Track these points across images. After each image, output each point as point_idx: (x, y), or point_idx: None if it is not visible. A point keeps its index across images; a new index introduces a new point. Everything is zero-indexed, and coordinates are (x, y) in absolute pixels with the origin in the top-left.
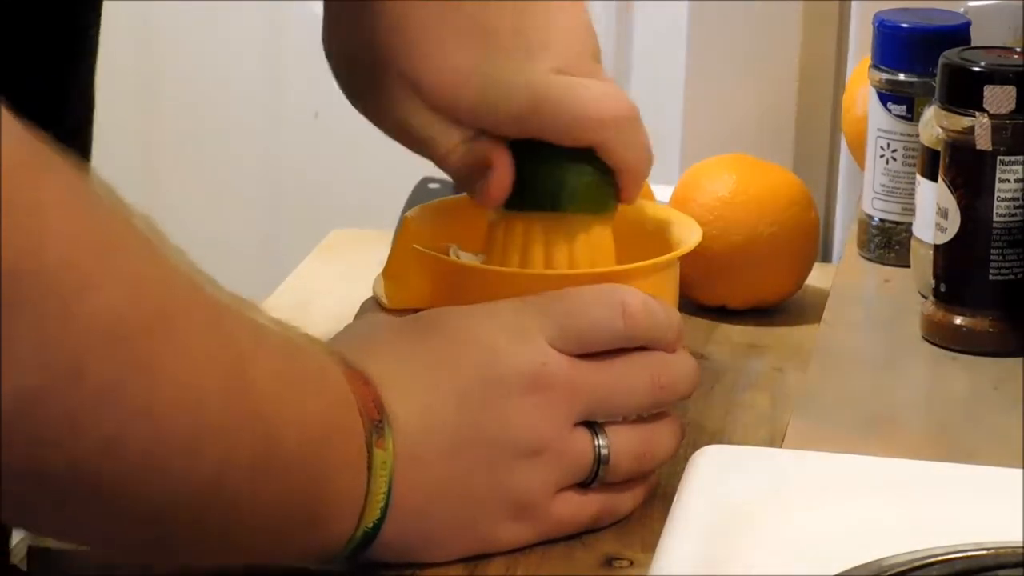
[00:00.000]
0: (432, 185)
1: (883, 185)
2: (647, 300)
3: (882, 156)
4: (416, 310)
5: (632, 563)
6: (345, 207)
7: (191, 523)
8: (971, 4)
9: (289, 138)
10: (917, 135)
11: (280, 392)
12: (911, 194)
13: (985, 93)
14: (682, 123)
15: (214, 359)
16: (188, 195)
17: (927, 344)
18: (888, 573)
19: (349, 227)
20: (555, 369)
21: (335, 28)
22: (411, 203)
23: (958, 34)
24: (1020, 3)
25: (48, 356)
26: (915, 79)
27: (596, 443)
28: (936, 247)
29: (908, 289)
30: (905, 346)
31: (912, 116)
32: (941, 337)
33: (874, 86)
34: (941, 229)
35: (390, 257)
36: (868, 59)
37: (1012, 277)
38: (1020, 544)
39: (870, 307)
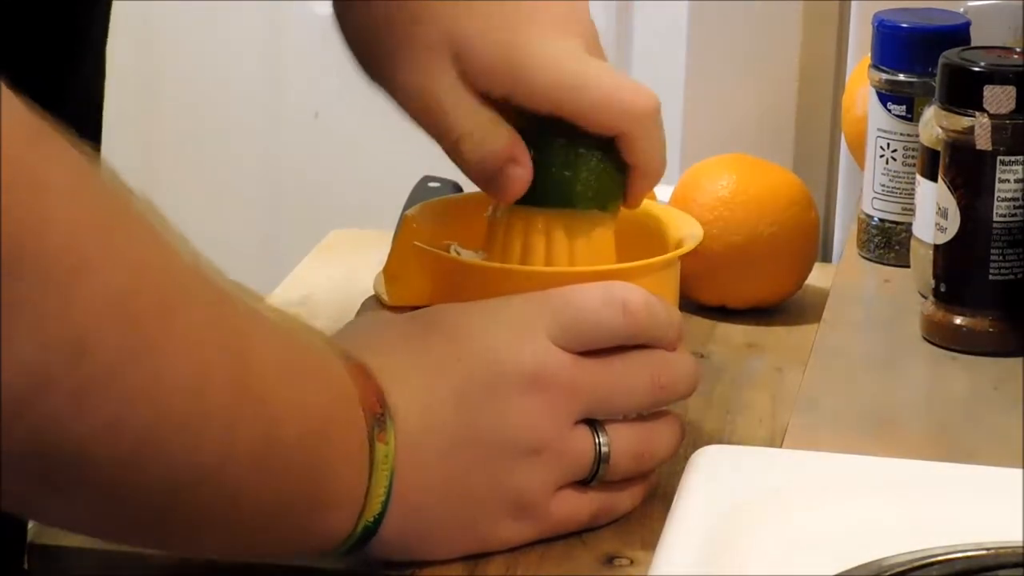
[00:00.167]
0: (432, 184)
1: (883, 185)
2: (648, 298)
3: (882, 156)
4: (417, 307)
5: (632, 562)
6: (345, 207)
7: (192, 510)
8: (971, 4)
9: (289, 138)
10: (917, 135)
11: (281, 381)
12: (911, 194)
13: (985, 93)
14: (682, 123)
15: (216, 343)
16: (188, 195)
17: (927, 344)
18: (888, 573)
19: (349, 227)
20: (556, 367)
21: None
22: (411, 202)
23: (958, 34)
24: (1020, 3)
25: (50, 335)
26: (915, 79)
27: (596, 441)
28: (936, 247)
29: (908, 289)
30: (905, 346)
31: (912, 116)
32: (941, 337)
33: (874, 86)
34: (941, 229)
35: (390, 255)
36: (868, 59)
37: (1012, 277)
38: (1020, 544)
39: (870, 307)
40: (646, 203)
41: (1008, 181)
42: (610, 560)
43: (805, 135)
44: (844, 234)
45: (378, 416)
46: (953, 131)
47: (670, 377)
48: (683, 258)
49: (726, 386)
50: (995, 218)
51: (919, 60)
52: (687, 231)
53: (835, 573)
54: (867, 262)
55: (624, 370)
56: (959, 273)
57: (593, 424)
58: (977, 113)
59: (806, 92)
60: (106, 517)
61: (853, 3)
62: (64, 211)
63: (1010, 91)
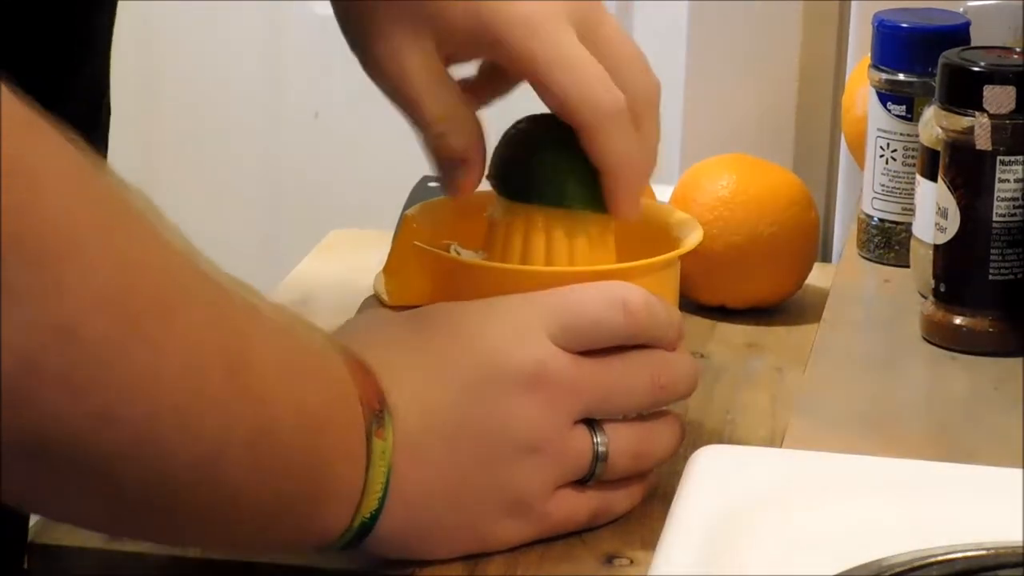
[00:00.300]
0: (432, 184)
1: (883, 185)
2: (649, 298)
3: (882, 156)
4: (417, 307)
5: (632, 562)
6: (345, 207)
7: (188, 502)
8: (971, 4)
9: (289, 138)
10: (917, 135)
11: (279, 373)
12: (911, 194)
13: (985, 93)
14: (682, 123)
15: (213, 337)
16: (188, 195)
17: (927, 344)
18: (888, 573)
19: (349, 227)
20: (556, 367)
21: None
22: (411, 202)
23: (958, 34)
24: (1020, 3)
25: (39, 320)
26: (915, 79)
27: (595, 441)
28: (936, 247)
29: (908, 289)
30: (905, 346)
31: (912, 116)
32: (941, 337)
33: (874, 86)
34: (941, 229)
35: (390, 255)
36: (868, 59)
37: (1012, 277)
38: (1020, 544)
39: (870, 307)
40: (646, 203)
41: (1008, 181)
42: (610, 560)
43: (805, 135)
44: (844, 234)
45: (377, 413)
46: (953, 131)
47: (670, 377)
48: (683, 258)
49: (726, 386)
50: (995, 218)
51: (919, 60)
52: (687, 231)
53: (835, 573)
54: (867, 262)
55: (624, 370)
56: (959, 273)
57: (591, 424)
58: (977, 113)
59: (806, 92)
60: (102, 509)
61: (853, 3)
62: (57, 200)
63: (1010, 91)
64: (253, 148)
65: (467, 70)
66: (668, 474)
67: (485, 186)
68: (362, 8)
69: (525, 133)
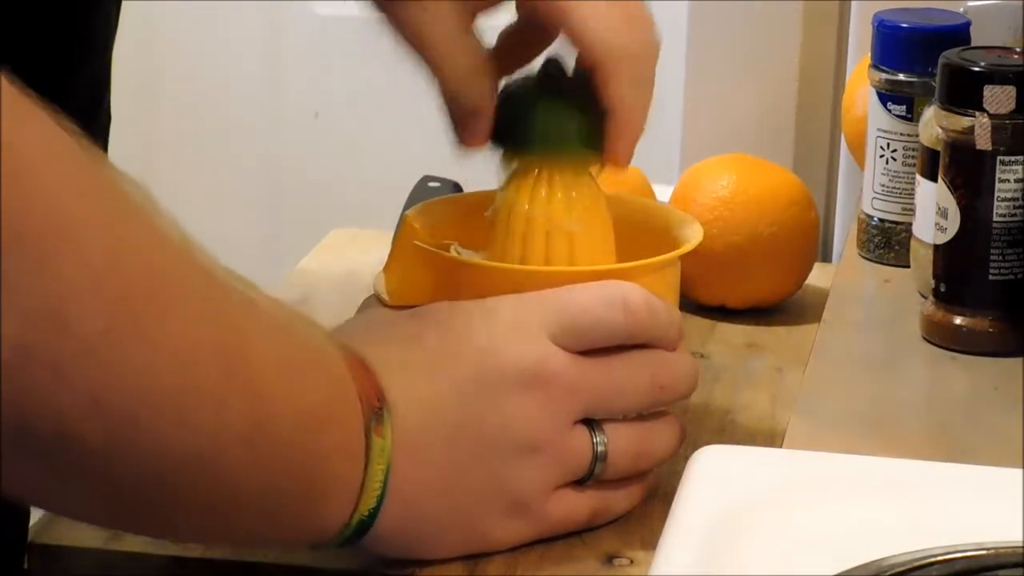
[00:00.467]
0: (432, 184)
1: (883, 185)
2: (649, 297)
3: (882, 156)
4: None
5: (632, 561)
6: (345, 207)
7: (183, 495)
8: (971, 4)
9: (289, 138)
10: (917, 135)
11: (276, 368)
12: (911, 194)
13: (985, 93)
14: (682, 123)
15: (206, 322)
16: (188, 195)
17: (927, 344)
18: (888, 573)
19: (349, 227)
20: (555, 366)
21: None
22: (411, 202)
23: (958, 34)
24: (1020, 3)
25: (30, 306)
26: (915, 79)
27: (594, 441)
28: (936, 247)
29: (908, 289)
30: (905, 346)
31: (912, 116)
32: (941, 337)
33: (874, 86)
34: (941, 229)
35: (390, 255)
36: (868, 59)
37: (1012, 277)
38: (1020, 544)
39: (870, 307)
40: (646, 203)
41: (1008, 181)
42: (610, 560)
43: (805, 135)
44: (844, 234)
45: (376, 410)
46: (953, 131)
47: (670, 377)
48: (683, 258)
49: (726, 386)
50: (995, 218)
51: (919, 60)
52: (687, 231)
53: (835, 573)
54: (867, 262)
55: (624, 370)
56: (959, 273)
57: (591, 423)
58: (977, 113)
59: (806, 92)
60: (97, 501)
61: (853, 3)
62: (51, 189)
63: (1010, 91)
64: (253, 148)
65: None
66: (668, 474)
67: (485, 186)
68: None
69: (521, 87)
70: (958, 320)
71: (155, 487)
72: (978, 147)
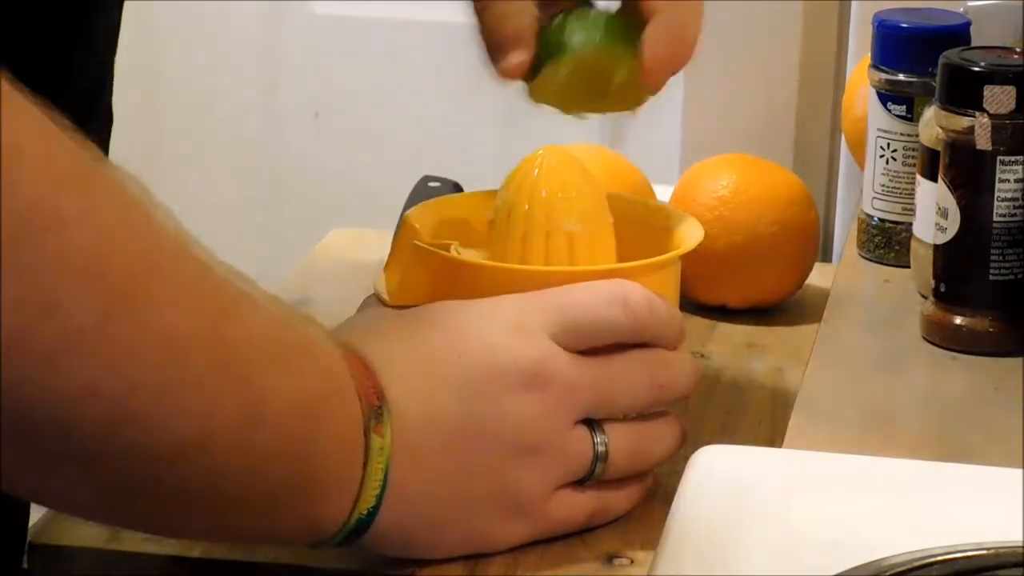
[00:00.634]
0: (432, 184)
1: (883, 185)
2: (650, 296)
3: (882, 156)
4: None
5: (632, 562)
6: (345, 207)
7: (175, 487)
8: (971, 4)
9: (289, 138)
10: (917, 135)
11: (268, 360)
12: (911, 194)
13: (985, 93)
14: (682, 123)
15: (199, 314)
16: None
17: (927, 344)
18: (888, 573)
19: (349, 227)
20: (556, 366)
21: None
22: (411, 202)
23: (958, 34)
24: (1020, 3)
25: (20, 294)
26: (915, 79)
27: (595, 441)
28: (936, 247)
29: (908, 289)
30: (905, 346)
31: (912, 116)
32: (941, 337)
33: (874, 86)
34: (941, 229)
35: (391, 255)
36: (868, 59)
37: (1012, 277)
38: (1020, 544)
39: (870, 307)
40: (647, 202)
41: (1008, 181)
42: (610, 560)
43: (805, 135)
44: (844, 234)
45: (375, 409)
46: (953, 131)
47: (670, 376)
48: (683, 258)
49: (726, 386)
50: (995, 218)
51: (919, 60)
52: (687, 231)
53: (835, 573)
54: (867, 262)
55: (624, 369)
56: (959, 273)
57: (591, 423)
58: (977, 113)
59: (806, 92)
60: (90, 491)
61: (853, 3)
62: (39, 177)
63: (1010, 91)
64: (253, 148)
65: None
66: (668, 474)
67: (485, 186)
68: None
69: (560, 18)
70: (958, 320)
71: (149, 479)
72: (978, 147)
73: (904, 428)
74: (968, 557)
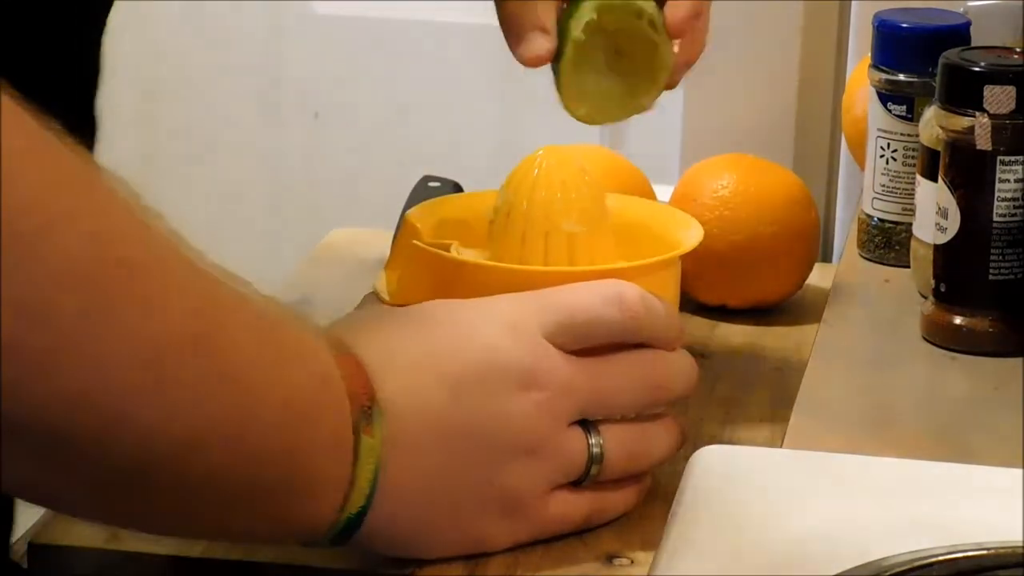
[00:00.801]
0: (432, 184)
1: (883, 185)
2: (646, 296)
3: (882, 156)
4: None
5: (632, 562)
6: (345, 207)
7: (168, 486)
8: (971, 4)
9: (289, 138)
10: (917, 135)
11: (259, 360)
12: (911, 194)
13: (985, 93)
14: (682, 123)
15: (188, 316)
16: (188, 195)
17: (927, 344)
18: (888, 573)
19: (349, 227)
20: (551, 367)
21: None
22: (411, 202)
23: (958, 34)
24: (1020, 3)
25: (12, 298)
26: (915, 79)
27: (590, 442)
28: (936, 247)
29: (908, 289)
30: (905, 346)
31: (912, 116)
32: (941, 337)
33: (874, 86)
34: (941, 229)
35: (391, 254)
36: (868, 59)
37: (1012, 277)
38: (1020, 544)
39: (870, 307)
40: (648, 204)
41: (1008, 181)
42: (610, 560)
43: (805, 135)
44: (844, 234)
45: (365, 408)
46: (953, 131)
47: (667, 376)
48: (683, 258)
49: (726, 386)
50: (995, 218)
51: (919, 60)
52: (687, 232)
53: (835, 573)
54: (867, 262)
55: (620, 369)
56: (959, 273)
57: (587, 424)
58: (977, 113)
59: (806, 92)
60: (82, 490)
61: (853, 3)
62: (28, 174)
63: (1010, 91)
64: (253, 148)
65: None
66: (668, 474)
67: (485, 186)
68: None
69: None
70: (958, 320)
71: (140, 478)
72: (978, 147)
73: (904, 428)
74: (968, 557)
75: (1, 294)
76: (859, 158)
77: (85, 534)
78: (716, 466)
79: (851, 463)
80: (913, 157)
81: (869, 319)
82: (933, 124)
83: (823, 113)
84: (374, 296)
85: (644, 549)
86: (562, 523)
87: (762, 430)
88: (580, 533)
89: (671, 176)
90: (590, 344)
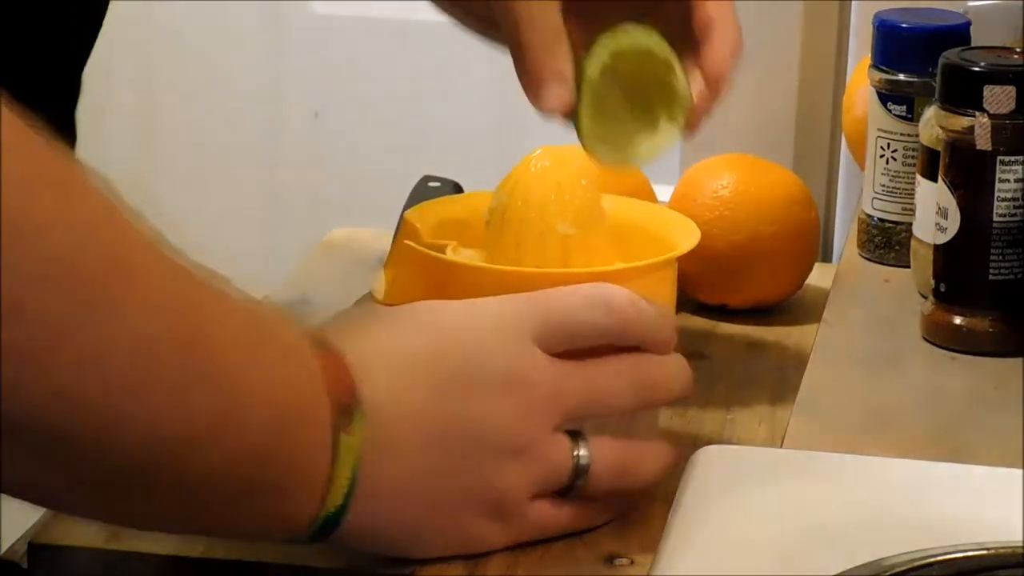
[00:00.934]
0: (432, 184)
1: (883, 185)
2: (635, 299)
3: (882, 156)
4: None
5: (632, 562)
6: (345, 207)
7: (149, 483)
8: (971, 4)
9: (289, 138)
10: (917, 135)
11: (242, 358)
12: (911, 194)
13: (985, 93)
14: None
15: (169, 314)
16: (188, 195)
17: (927, 344)
18: (888, 573)
19: (349, 227)
20: (536, 370)
21: None
22: (411, 202)
23: (958, 34)
24: (1020, 3)
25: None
26: (915, 79)
27: (576, 452)
28: (936, 247)
29: (908, 289)
30: (905, 346)
31: (912, 116)
32: (941, 337)
33: (874, 86)
34: (941, 229)
35: (389, 254)
36: (868, 59)
37: (1012, 277)
38: (1020, 544)
39: (870, 307)
40: (648, 206)
41: (1008, 181)
42: (610, 560)
43: (805, 135)
44: (844, 234)
45: (345, 407)
46: (953, 131)
47: (657, 380)
48: (684, 258)
49: (726, 386)
50: (995, 218)
51: (919, 60)
52: (684, 233)
53: (835, 573)
54: (867, 262)
55: (607, 372)
56: (959, 273)
57: (576, 435)
58: (977, 113)
59: (806, 92)
60: (64, 485)
61: (853, 3)
62: (13, 171)
63: (1010, 91)
64: (253, 148)
65: None
66: (668, 474)
67: (485, 186)
68: None
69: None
70: (958, 320)
71: (121, 475)
72: (978, 147)
73: (904, 428)
74: (968, 557)
75: None
76: (859, 158)
77: (85, 534)
78: (716, 466)
79: (851, 463)
80: (913, 157)
81: (869, 319)
82: (933, 124)
83: (823, 113)
84: (369, 296)
85: (644, 550)
86: (542, 531)
87: (762, 430)
88: (580, 533)
89: (671, 176)
90: (575, 347)
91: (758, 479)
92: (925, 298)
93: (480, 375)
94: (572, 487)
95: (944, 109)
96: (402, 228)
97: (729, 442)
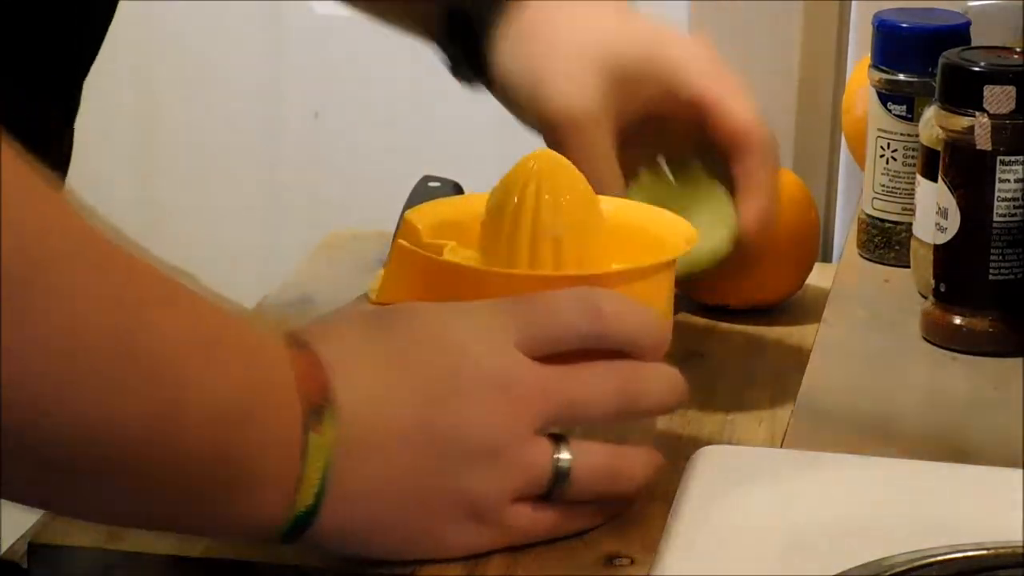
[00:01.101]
0: (432, 184)
1: (883, 185)
2: (623, 303)
3: (882, 156)
4: None
5: (632, 562)
6: (345, 207)
7: (94, 476)
8: (971, 4)
9: (289, 138)
10: (917, 135)
11: (190, 355)
12: (911, 194)
13: (985, 93)
14: None
15: (108, 302)
16: (188, 195)
17: (927, 344)
18: (888, 573)
19: (349, 227)
20: (518, 373)
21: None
22: (411, 202)
23: (958, 34)
24: (1020, 3)
25: None
26: (915, 79)
27: (556, 456)
28: (936, 247)
29: (908, 289)
30: (905, 346)
31: (912, 116)
32: (941, 337)
33: (874, 86)
34: (941, 229)
35: (389, 254)
36: (868, 59)
37: (1012, 277)
38: (1020, 544)
39: (870, 307)
40: (648, 208)
41: (1008, 181)
42: (610, 560)
43: (805, 135)
44: (844, 234)
45: (316, 407)
46: (953, 131)
47: (641, 386)
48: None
49: (726, 386)
50: (995, 218)
51: (919, 60)
52: (681, 236)
53: (835, 573)
54: (867, 262)
55: (590, 377)
56: (959, 273)
57: (559, 439)
58: (977, 113)
59: (806, 92)
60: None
61: (853, 3)
62: None
63: (1010, 91)
64: (253, 148)
65: None
66: (668, 474)
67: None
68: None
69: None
70: (958, 320)
71: (67, 468)
72: (978, 147)
73: (904, 428)
74: (968, 557)
75: None
76: (859, 158)
77: (85, 534)
78: (716, 466)
79: (851, 463)
80: (913, 157)
81: (869, 319)
82: (933, 124)
83: (823, 113)
84: (364, 297)
85: (644, 549)
86: (523, 535)
87: (762, 430)
88: (580, 533)
89: None
90: (558, 351)
91: (758, 479)
92: (925, 298)
93: (458, 377)
94: (552, 491)
95: (944, 109)
96: (402, 228)
97: (729, 442)
